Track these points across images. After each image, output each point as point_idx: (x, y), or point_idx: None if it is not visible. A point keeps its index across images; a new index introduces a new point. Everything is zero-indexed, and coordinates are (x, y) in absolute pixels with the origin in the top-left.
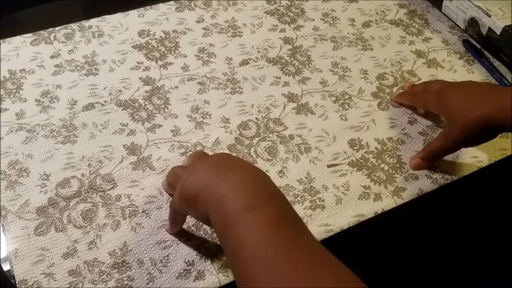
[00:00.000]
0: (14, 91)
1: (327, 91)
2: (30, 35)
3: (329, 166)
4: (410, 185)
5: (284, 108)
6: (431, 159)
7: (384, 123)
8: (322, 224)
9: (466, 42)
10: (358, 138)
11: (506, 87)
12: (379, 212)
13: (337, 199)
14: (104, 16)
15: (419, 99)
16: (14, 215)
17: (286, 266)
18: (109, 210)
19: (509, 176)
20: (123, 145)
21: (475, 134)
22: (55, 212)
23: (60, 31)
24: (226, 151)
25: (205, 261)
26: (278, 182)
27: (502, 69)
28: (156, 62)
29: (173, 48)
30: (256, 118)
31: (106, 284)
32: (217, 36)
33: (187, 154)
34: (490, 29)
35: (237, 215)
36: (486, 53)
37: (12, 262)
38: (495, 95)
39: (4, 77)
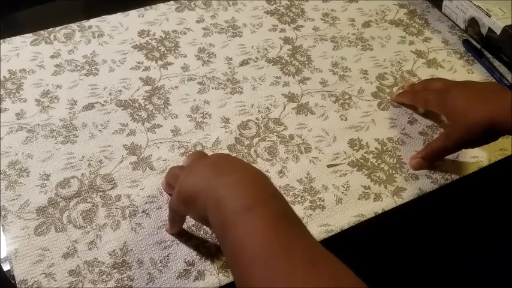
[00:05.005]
0: (14, 91)
1: (327, 91)
2: (30, 35)
3: (329, 166)
4: (410, 185)
5: (284, 108)
6: (432, 159)
7: (384, 123)
8: (322, 224)
9: (466, 42)
10: (358, 138)
11: (509, 89)
12: (379, 212)
13: (337, 199)
14: (104, 16)
15: (420, 98)
16: (14, 215)
17: (285, 266)
18: (109, 210)
19: (509, 176)
20: (123, 145)
21: (477, 136)
22: (55, 212)
23: (60, 31)
24: (226, 151)
25: (205, 261)
26: (278, 182)
27: (502, 69)
28: (156, 62)
29: (173, 48)
30: (256, 118)
31: (106, 284)
32: (217, 36)
33: (187, 154)
34: (490, 29)
35: (236, 215)
36: (486, 53)
37: (12, 262)
38: (498, 97)
39: (4, 77)
